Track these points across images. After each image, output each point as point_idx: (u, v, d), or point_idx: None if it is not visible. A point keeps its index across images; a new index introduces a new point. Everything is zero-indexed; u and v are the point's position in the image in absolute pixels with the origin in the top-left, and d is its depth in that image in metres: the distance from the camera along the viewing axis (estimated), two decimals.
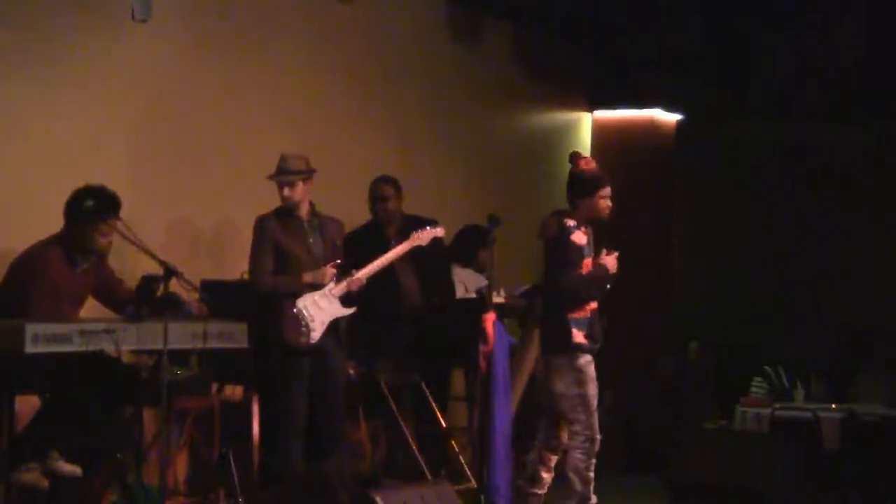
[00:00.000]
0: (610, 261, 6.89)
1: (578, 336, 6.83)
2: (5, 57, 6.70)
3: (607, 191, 6.96)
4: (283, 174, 6.97)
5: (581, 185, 6.98)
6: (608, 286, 6.94)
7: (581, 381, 6.84)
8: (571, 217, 6.92)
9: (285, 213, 7.01)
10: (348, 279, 7.00)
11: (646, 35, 10.41)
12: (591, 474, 6.91)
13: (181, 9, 7.60)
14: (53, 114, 6.91)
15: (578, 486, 6.89)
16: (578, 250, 6.88)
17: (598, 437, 6.90)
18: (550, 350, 6.94)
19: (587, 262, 6.91)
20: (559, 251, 6.89)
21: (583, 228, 6.92)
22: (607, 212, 6.96)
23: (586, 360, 6.87)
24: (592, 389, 6.87)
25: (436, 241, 7.44)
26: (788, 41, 10.61)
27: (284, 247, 6.95)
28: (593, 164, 7.09)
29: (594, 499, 6.94)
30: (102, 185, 6.35)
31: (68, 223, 6.37)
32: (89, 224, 6.32)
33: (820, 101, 10.98)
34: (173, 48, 7.57)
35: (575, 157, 7.06)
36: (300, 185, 6.95)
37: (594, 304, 6.95)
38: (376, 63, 8.98)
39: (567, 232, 6.88)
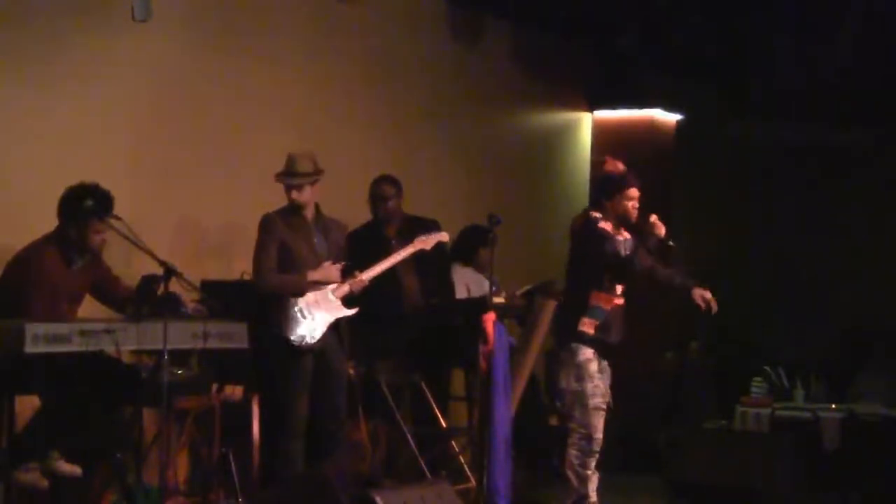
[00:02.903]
0: (659, 223, 6.93)
1: (586, 325, 6.84)
2: (5, 57, 6.70)
3: (633, 192, 6.96)
4: (291, 176, 6.88)
5: (606, 186, 7.02)
6: (667, 244, 6.95)
7: (580, 377, 6.87)
8: (599, 214, 6.96)
9: (291, 212, 6.99)
10: (350, 280, 6.99)
11: (646, 35, 10.41)
12: (589, 472, 6.93)
13: (181, 9, 7.61)
14: (53, 113, 6.91)
15: (575, 484, 6.92)
16: (607, 235, 6.88)
17: (598, 436, 6.90)
18: (558, 344, 7.04)
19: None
20: (587, 239, 6.91)
21: (610, 224, 6.94)
22: (634, 214, 6.96)
23: (588, 357, 6.88)
24: (592, 387, 6.87)
25: (439, 244, 7.44)
26: (788, 41, 10.62)
27: (290, 246, 6.91)
28: (621, 167, 7.16)
29: (593, 497, 6.95)
30: (96, 182, 6.34)
31: (63, 222, 6.36)
32: (84, 222, 6.31)
33: (820, 101, 10.98)
34: (173, 48, 7.57)
35: (603, 161, 7.29)
36: (307, 188, 6.92)
37: (620, 301, 6.96)
38: (376, 63, 8.97)
39: (594, 221, 6.90)
